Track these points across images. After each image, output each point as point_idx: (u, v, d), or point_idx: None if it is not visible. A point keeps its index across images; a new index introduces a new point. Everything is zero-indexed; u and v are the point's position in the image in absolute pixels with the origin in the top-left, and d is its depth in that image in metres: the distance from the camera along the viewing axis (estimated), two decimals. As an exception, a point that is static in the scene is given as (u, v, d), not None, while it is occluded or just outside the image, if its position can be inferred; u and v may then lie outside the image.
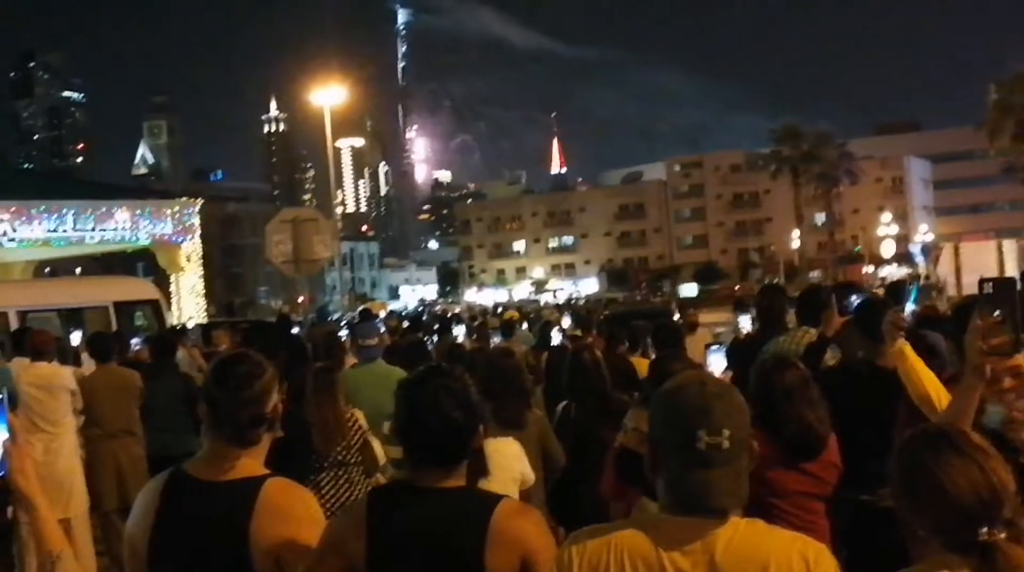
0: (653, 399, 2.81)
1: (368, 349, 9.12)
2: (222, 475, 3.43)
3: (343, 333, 14.96)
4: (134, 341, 14.65)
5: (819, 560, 2.57)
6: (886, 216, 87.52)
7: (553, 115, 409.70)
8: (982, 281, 4.11)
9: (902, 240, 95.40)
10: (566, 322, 20.54)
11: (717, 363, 7.45)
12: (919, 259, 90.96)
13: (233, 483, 3.41)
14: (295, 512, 3.40)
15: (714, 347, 7.86)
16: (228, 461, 3.46)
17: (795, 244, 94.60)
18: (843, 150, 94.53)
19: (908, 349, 5.01)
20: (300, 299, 40.03)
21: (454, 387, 3.32)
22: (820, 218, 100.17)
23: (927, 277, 37.78)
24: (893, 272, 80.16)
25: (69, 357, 12.28)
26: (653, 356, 8.84)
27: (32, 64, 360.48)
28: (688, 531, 2.57)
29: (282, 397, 7.13)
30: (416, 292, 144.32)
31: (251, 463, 3.48)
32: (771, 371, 5.07)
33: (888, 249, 77.67)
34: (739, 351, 8.02)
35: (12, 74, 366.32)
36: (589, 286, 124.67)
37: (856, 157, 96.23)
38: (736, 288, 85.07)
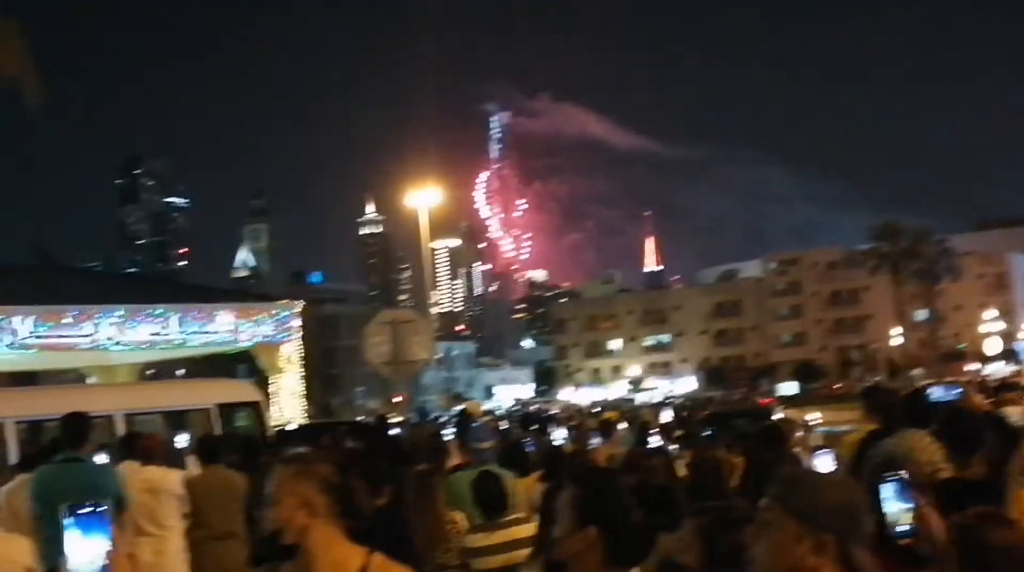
0: None
1: (481, 452, 9.21)
2: None
3: (445, 433, 15.03)
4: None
5: None
6: (990, 313, 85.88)
7: (646, 214, 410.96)
8: None
9: (1007, 337, 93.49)
10: (665, 416, 20.46)
11: (824, 466, 6.96)
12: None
13: None
14: None
15: (821, 450, 7.62)
16: None
17: (896, 341, 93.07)
18: (943, 246, 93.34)
19: None
20: (396, 399, 40.25)
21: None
22: (921, 315, 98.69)
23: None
24: (998, 369, 78.52)
25: (175, 460, 12.43)
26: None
27: (137, 171, 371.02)
28: None
29: (384, 500, 7.19)
30: (511, 391, 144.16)
31: None
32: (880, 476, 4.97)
33: (993, 346, 76.26)
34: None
35: (118, 181, 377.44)
36: (686, 385, 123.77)
37: (957, 253, 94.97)
38: (837, 387, 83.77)
